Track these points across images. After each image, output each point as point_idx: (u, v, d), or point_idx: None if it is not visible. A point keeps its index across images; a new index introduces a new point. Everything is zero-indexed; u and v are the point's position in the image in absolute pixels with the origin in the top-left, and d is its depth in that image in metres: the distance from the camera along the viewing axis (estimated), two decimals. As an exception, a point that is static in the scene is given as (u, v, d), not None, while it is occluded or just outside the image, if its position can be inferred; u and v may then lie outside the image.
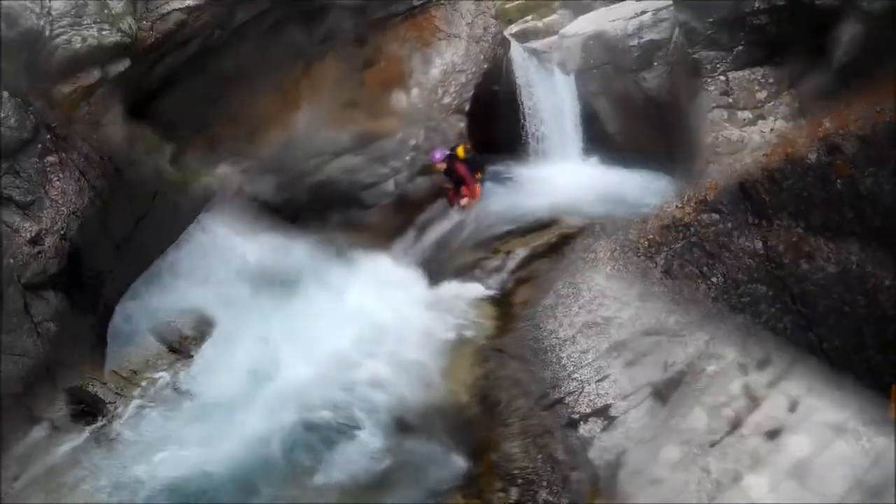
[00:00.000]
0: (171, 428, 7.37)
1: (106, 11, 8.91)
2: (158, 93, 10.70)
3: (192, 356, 8.46)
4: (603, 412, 6.52)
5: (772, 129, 10.36)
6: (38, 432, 7.10)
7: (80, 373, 7.67)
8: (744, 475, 4.57)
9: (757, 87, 10.70)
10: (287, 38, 11.70)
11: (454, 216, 11.37)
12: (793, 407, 4.75)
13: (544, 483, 6.22)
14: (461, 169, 11.35)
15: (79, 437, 7.18)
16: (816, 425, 4.56)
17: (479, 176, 11.65)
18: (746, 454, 4.67)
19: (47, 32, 8.37)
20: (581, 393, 6.83)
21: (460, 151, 11.59)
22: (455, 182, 11.56)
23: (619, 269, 8.27)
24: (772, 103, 10.56)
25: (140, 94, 10.25)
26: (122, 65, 9.16)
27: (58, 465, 6.87)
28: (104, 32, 8.77)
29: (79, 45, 8.57)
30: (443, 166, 11.31)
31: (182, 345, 8.50)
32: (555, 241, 9.40)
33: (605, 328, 7.52)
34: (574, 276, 8.47)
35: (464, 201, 11.51)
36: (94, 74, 8.89)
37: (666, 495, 4.87)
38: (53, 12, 8.42)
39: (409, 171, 12.44)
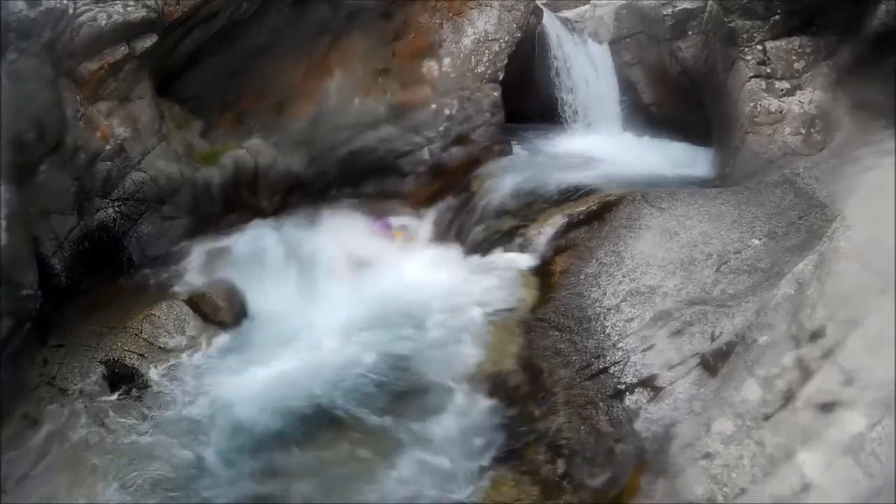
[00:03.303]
0: (207, 398, 7.30)
1: (131, -13, 8.88)
2: (185, 69, 10.70)
3: (226, 326, 8.50)
4: (649, 382, 6.44)
5: (811, 101, 10.22)
6: (69, 406, 7.02)
7: (116, 344, 7.70)
8: (797, 451, 4.41)
9: (794, 57, 10.54)
10: (313, 12, 11.63)
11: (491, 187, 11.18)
12: (848, 381, 4.60)
13: (588, 455, 6.11)
14: None
15: (113, 410, 7.06)
16: (871, 400, 4.44)
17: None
18: (799, 429, 4.52)
19: (71, 11, 8.32)
20: (627, 363, 6.78)
21: None
22: None
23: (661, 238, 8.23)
24: (809, 73, 10.42)
25: (167, 70, 10.24)
26: (150, 40, 9.15)
27: (86, 441, 6.70)
28: (129, 8, 8.75)
29: (104, 23, 8.55)
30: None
31: (217, 315, 8.54)
32: (595, 210, 9.19)
33: (650, 297, 7.45)
34: (616, 245, 8.39)
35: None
36: (121, 50, 8.89)
37: (719, 470, 4.78)
38: (77, -10, 8.38)
39: (443, 140, 12.40)
